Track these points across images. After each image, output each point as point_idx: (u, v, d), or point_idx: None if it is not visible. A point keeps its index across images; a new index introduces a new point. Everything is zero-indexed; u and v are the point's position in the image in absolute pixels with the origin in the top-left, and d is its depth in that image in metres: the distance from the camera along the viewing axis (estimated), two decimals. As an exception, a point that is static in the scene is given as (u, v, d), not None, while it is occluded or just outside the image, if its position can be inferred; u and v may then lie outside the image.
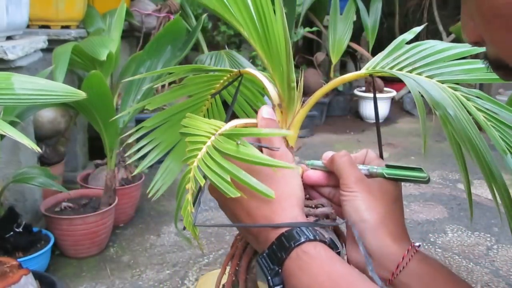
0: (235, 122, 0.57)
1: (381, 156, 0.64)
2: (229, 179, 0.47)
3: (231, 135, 0.51)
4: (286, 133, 0.54)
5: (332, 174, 0.60)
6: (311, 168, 0.62)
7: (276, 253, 0.49)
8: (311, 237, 0.49)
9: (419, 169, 0.57)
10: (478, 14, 0.35)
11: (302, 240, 0.48)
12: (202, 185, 0.50)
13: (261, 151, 0.55)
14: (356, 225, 0.55)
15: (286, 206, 0.52)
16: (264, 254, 0.50)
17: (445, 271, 0.54)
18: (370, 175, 0.58)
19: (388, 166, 0.58)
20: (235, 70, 0.68)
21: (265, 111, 0.58)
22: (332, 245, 0.51)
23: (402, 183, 0.60)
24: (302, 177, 0.61)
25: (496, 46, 0.36)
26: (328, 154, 0.61)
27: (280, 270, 0.49)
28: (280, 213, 0.51)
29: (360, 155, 0.62)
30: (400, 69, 0.63)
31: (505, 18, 0.33)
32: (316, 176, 0.61)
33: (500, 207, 0.58)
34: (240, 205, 0.53)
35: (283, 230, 0.50)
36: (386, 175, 0.58)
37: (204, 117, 0.74)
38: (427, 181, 0.57)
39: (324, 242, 0.50)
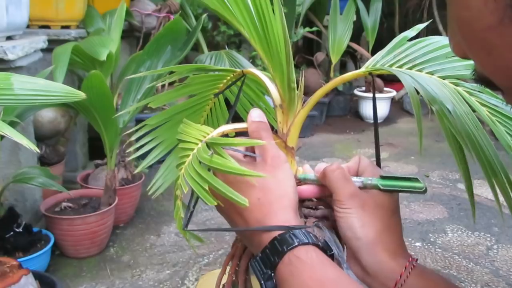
0: (223, 128, 0.57)
1: (378, 164, 0.62)
2: (207, 188, 0.48)
3: (212, 144, 0.51)
4: (259, 142, 0.52)
5: (326, 186, 0.58)
6: (304, 183, 0.60)
7: (269, 257, 0.49)
8: (304, 240, 0.48)
9: (415, 179, 0.55)
10: (460, 34, 0.35)
11: (295, 243, 0.48)
12: (185, 191, 0.50)
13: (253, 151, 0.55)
14: (351, 242, 0.54)
15: (278, 209, 0.51)
16: (257, 258, 0.50)
17: (444, 284, 0.54)
18: (365, 187, 0.56)
19: (382, 177, 0.56)
20: (238, 70, 0.68)
21: (255, 114, 0.57)
22: (325, 247, 0.50)
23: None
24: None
25: (480, 66, 0.36)
26: (320, 167, 0.59)
27: (273, 274, 0.48)
28: (272, 217, 0.50)
29: (353, 164, 0.60)
30: (400, 66, 0.63)
31: (485, 42, 0.33)
32: (309, 191, 0.59)
33: (500, 205, 0.58)
34: (234, 209, 0.52)
35: (276, 233, 0.49)
36: (381, 187, 0.55)
37: (207, 116, 0.74)
38: (424, 191, 0.55)
39: (317, 245, 0.49)
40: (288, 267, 0.47)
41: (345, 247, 0.64)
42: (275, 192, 0.52)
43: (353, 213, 0.54)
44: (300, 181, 0.60)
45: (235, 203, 0.47)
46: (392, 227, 0.56)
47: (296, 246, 0.48)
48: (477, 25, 0.32)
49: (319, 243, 0.50)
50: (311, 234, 0.50)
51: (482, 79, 0.37)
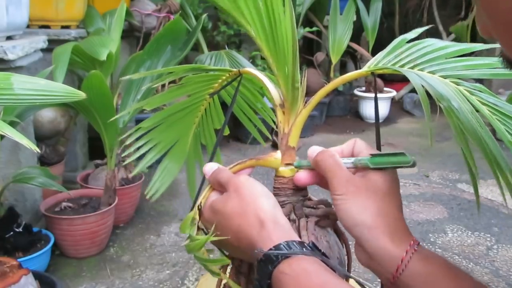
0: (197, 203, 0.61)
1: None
2: (207, 264, 0.60)
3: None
4: (206, 239, 0.57)
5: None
6: (300, 169, 0.62)
7: (261, 280, 0.50)
8: (286, 253, 0.49)
9: (402, 154, 0.56)
10: (485, 15, 0.35)
11: (279, 260, 0.49)
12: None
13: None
14: (352, 230, 0.54)
15: (257, 227, 0.52)
16: (256, 283, 0.51)
17: (448, 269, 0.52)
18: (356, 167, 0.57)
19: (372, 156, 0.57)
20: (235, 69, 0.67)
21: (207, 169, 0.61)
22: (312, 249, 0.50)
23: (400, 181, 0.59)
24: (293, 180, 0.61)
25: (505, 48, 0.36)
26: (313, 151, 0.59)
27: None
28: (254, 237, 0.52)
29: (347, 147, 0.61)
30: (402, 66, 0.63)
31: (509, 24, 0.33)
32: (305, 178, 0.61)
33: (501, 205, 0.58)
34: (229, 244, 0.56)
35: (260, 255, 0.50)
36: (371, 165, 0.56)
37: (202, 117, 0.74)
38: (412, 165, 0.55)
39: (302, 253, 0.49)
40: (277, 285, 0.49)
41: (344, 246, 0.64)
42: (249, 211, 0.53)
43: (349, 200, 0.54)
44: (296, 168, 0.62)
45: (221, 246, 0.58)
46: (390, 209, 0.54)
47: (279, 263, 0.49)
48: (502, 6, 0.33)
49: (304, 249, 0.50)
50: (294, 243, 0.50)
51: (508, 60, 0.37)
